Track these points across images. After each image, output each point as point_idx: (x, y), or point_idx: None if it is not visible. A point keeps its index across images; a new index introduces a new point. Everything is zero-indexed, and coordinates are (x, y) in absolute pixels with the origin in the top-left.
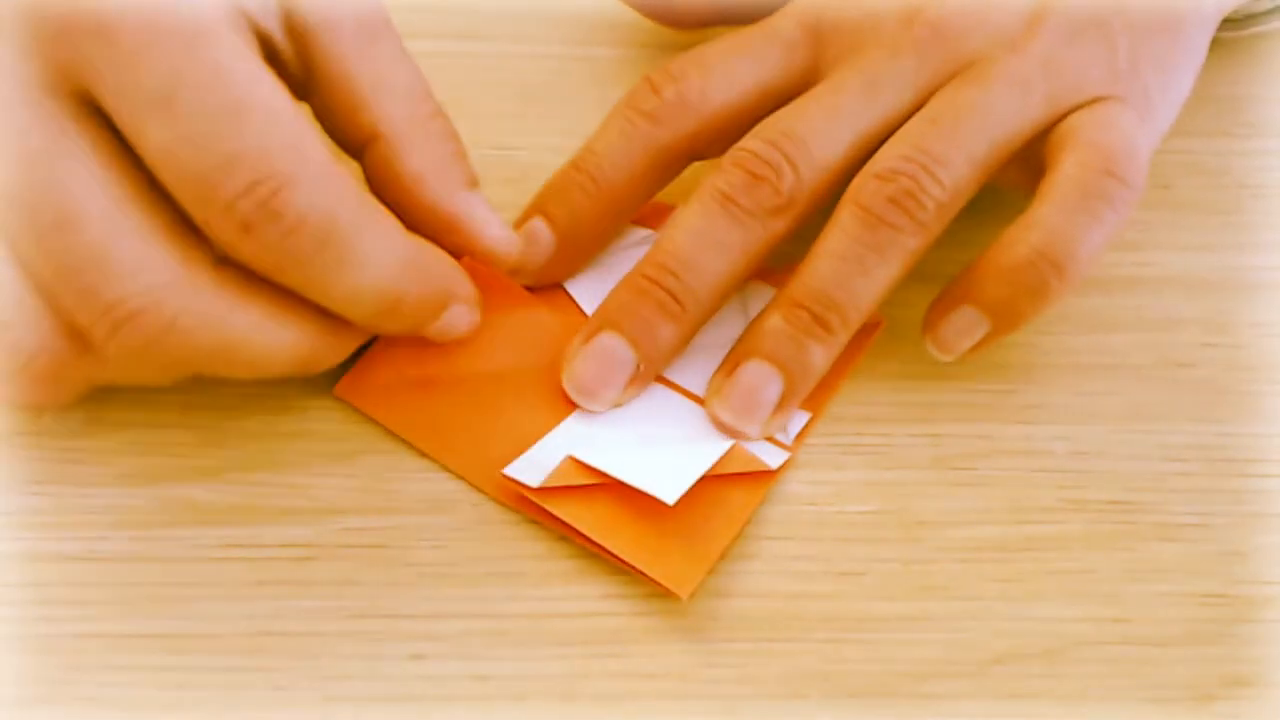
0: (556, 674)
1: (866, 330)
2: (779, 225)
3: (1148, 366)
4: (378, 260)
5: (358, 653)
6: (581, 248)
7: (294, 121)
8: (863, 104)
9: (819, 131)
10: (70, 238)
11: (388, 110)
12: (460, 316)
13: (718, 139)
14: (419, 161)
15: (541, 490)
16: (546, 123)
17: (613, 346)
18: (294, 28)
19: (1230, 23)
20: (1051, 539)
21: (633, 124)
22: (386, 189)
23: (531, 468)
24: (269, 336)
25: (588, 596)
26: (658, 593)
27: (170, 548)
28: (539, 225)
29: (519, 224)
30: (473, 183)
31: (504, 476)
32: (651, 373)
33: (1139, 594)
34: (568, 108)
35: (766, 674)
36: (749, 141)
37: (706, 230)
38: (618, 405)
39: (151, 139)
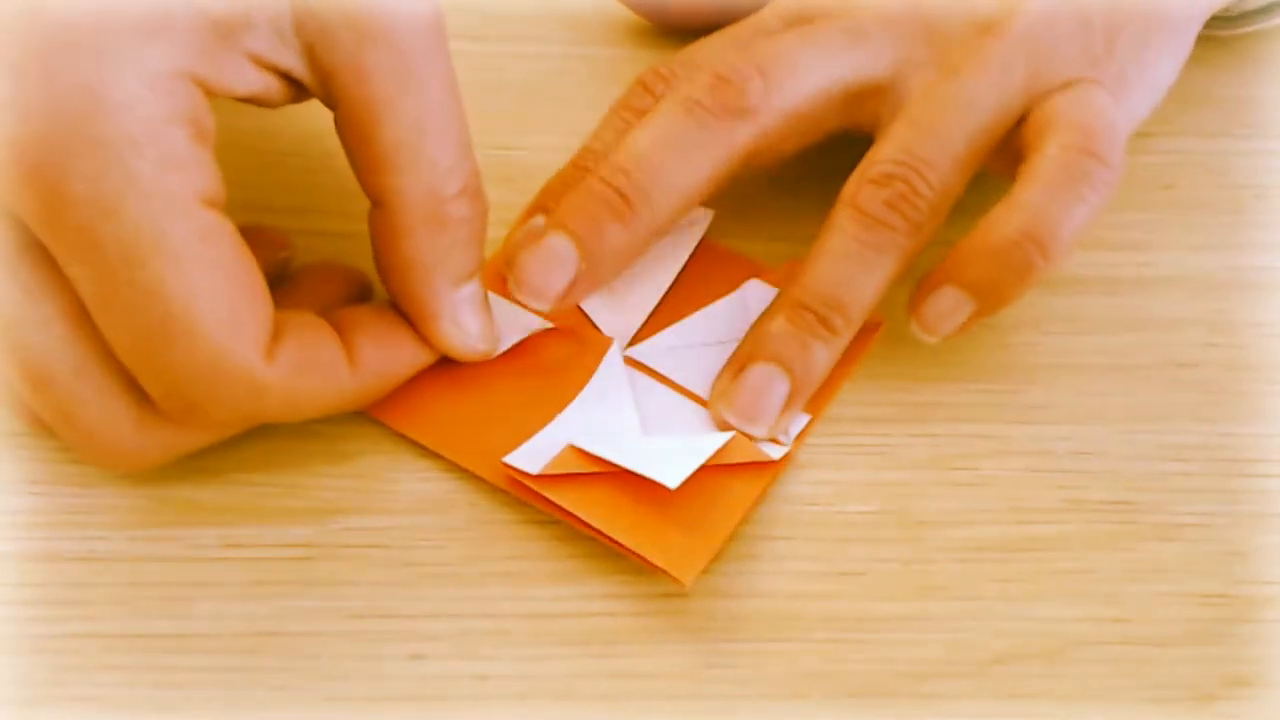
0: (556, 674)
1: (867, 331)
2: (743, 133)
3: (1149, 366)
4: (314, 410)
5: (358, 653)
6: None
7: (222, 335)
8: (842, 45)
9: (793, 52)
10: (41, 396)
11: (403, 182)
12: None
13: None
14: (416, 248)
15: (541, 477)
16: (546, 123)
17: (556, 245)
18: (318, 64)
19: (1223, 21)
20: (1051, 539)
21: (628, 122)
22: (380, 255)
23: (532, 456)
24: (231, 430)
25: (588, 596)
26: (658, 592)
27: (170, 548)
28: (540, 224)
29: (519, 224)
30: (470, 274)
31: (504, 465)
32: (596, 274)
33: (1139, 594)
34: (568, 108)
35: (766, 674)
36: (724, 57)
37: (666, 131)
38: (563, 306)
39: (98, 322)
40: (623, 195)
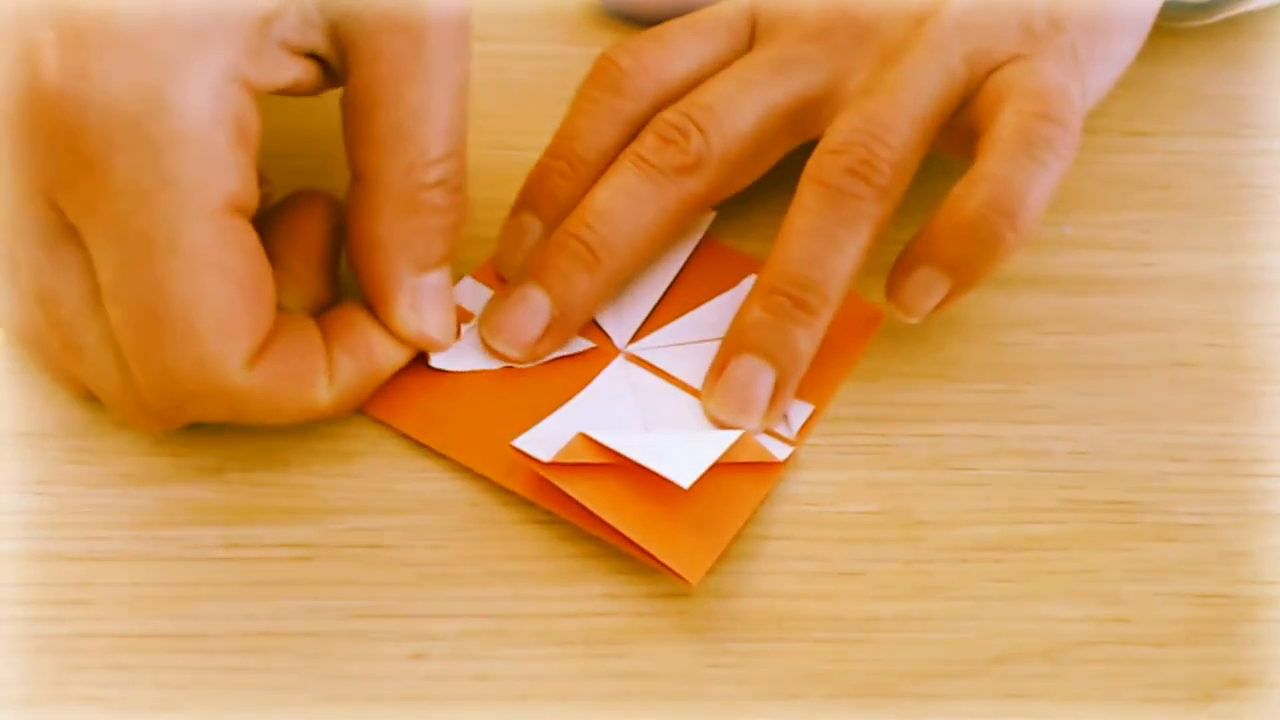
0: (556, 674)
1: (867, 324)
2: (691, 185)
3: (1148, 366)
4: (293, 416)
5: (358, 653)
6: None
7: (211, 340)
8: (771, 78)
9: (726, 100)
10: (77, 365)
11: (386, 162)
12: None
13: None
14: (386, 229)
15: (552, 465)
16: (546, 123)
17: (529, 295)
18: (339, 39)
19: (1200, 9)
20: (1051, 539)
21: (596, 101)
22: (351, 232)
23: (541, 442)
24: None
25: (588, 596)
26: (658, 593)
27: (170, 547)
28: (527, 219)
29: (509, 222)
30: (435, 264)
31: (513, 449)
32: (568, 322)
33: (1139, 594)
34: (567, 108)
35: (766, 674)
36: (665, 113)
37: (622, 187)
38: (537, 357)
39: (108, 307)
40: (589, 248)
